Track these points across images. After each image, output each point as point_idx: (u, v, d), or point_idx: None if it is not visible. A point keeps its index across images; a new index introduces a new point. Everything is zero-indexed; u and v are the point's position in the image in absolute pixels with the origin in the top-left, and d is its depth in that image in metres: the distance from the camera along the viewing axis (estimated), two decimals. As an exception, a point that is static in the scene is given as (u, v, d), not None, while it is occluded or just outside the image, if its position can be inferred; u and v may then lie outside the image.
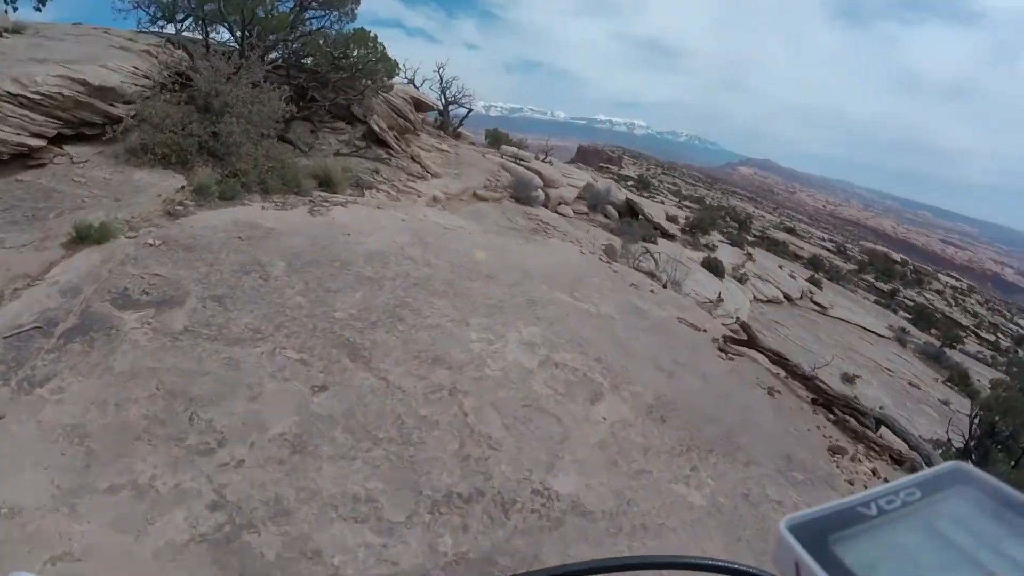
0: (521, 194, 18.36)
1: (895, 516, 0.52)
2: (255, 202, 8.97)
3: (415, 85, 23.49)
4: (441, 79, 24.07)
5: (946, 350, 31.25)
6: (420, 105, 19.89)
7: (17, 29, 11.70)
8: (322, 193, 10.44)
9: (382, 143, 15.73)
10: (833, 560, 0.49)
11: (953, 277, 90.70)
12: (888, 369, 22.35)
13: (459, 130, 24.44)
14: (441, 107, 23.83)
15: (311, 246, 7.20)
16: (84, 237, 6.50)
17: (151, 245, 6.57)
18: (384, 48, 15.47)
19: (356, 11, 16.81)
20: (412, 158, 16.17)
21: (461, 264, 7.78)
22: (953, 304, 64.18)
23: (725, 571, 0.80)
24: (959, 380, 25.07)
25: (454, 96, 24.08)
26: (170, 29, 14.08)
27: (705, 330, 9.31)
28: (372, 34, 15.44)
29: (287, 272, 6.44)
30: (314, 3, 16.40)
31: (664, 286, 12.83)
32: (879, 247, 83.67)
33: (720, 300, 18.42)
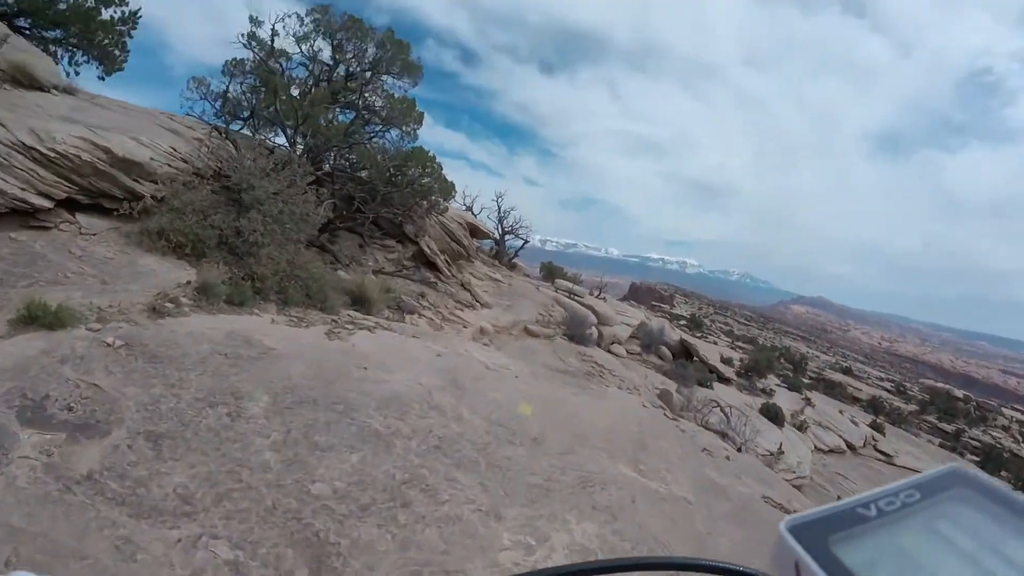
0: (575, 331, 16.62)
1: (895, 517, 0.51)
2: (268, 313, 7.42)
3: (473, 212, 22.57)
4: (499, 208, 23.14)
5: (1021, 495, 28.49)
6: (476, 232, 18.70)
7: (69, 90, 10.97)
8: (353, 312, 8.87)
9: (432, 266, 14.35)
10: (833, 560, 0.47)
11: (1018, 410, 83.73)
12: None
13: (514, 261, 23.20)
14: (498, 236, 22.69)
15: (313, 379, 5.47)
16: (35, 318, 5.01)
17: (108, 345, 4.99)
18: (441, 168, 14.38)
19: (417, 131, 16.00)
20: (462, 285, 14.70)
21: (501, 420, 5.93)
22: (1021, 441, 59.02)
23: (722, 571, 0.72)
24: None
25: (511, 226, 23.03)
26: (234, 127, 13.42)
27: (796, 512, 7.21)
28: (430, 154, 14.41)
29: (268, 412, 4.68)
30: (376, 118, 15.64)
31: (739, 449, 10.74)
32: (940, 384, 78.00)
33: (781, 452, 16.72)
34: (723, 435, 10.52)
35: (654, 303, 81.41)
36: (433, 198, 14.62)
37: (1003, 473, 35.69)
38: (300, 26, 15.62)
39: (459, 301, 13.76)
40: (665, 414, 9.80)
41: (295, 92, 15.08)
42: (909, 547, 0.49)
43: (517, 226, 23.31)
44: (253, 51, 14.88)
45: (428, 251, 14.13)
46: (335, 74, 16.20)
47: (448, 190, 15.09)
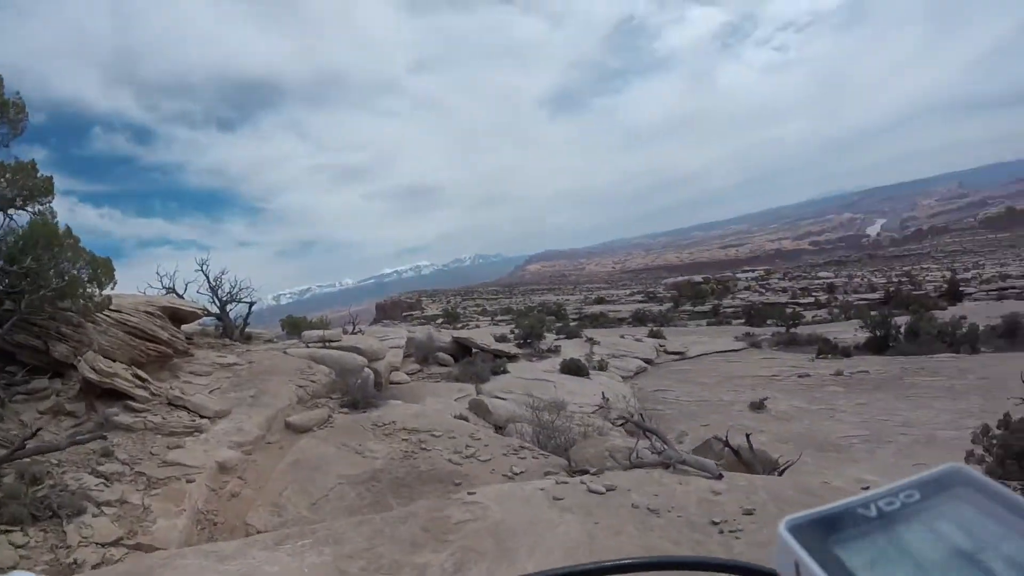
0: (354, 391, 11.80)
1: (895, 517, 0.49)
2: None
3: (178, 293, 16.52)
4: (207, 277, 17.19)
5: (794, 331, 31.69)
6: (179, 316, 12.99)
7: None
8: None
9: (115, 393, 8.70)
10: (833, 560, 0.46)
11: (748, 270, 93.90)
12: (774, 375, 20.95)
13: (248, 331, 17.52)
14: (217, 310, 16.86)
15: None
16: None
17: None
18: (78, 241, 8.83)
19: (51, 206, 10.05)
20: (171, 402, 9.18)
21: None
22: (764, 291, 66.14)
23: (727, 569, 0.72)
24: (829, 350, 24.65)
25: (229, 293, 17.24)
26: None
27: None
28: (58, 226, 8.77)
29: None
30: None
31: (679, 463, 6.81)
32: (680, 278, 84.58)
33: (606, 400, 15.98)
34: (665, 466, 6.43)
35: (405, 314, 77.34)
36: (84, 291, 8.94)
37: (768, 322, 38.79)
38: None
39: (172, 432, 8.32)
40: (560, 480, 5.55)
41: None
42: (909, 547, 0.46)
43: (237, 291, 17.60)
44: None
45: (94, 376, 8.39)
46: None
47: (106, 271, 9.42)
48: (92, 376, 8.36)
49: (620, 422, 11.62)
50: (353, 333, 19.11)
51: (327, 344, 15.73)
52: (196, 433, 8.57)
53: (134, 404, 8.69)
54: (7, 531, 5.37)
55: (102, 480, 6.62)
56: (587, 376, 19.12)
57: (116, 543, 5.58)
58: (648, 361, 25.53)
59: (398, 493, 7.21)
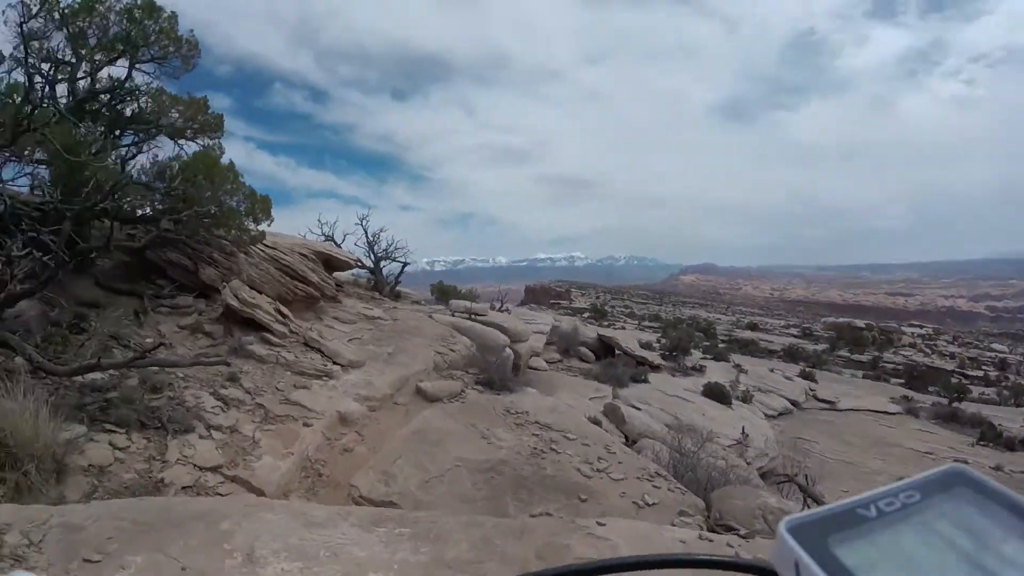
0: (491, 369, 11.13)
1: (895, 518, 0.48)
2: None
3: (335, 242, 16.85)
4: (366, 232, 17.42)
5: (957, 405, 27.83)
6: (333, 263, 13.03)
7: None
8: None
9: (254, 324, 8.59)
10: (832, 561, 0.45)
11: (915, 325, 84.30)
12: (928, 452, 18.19)
13: (398, 289, 17.59)
14: (368, 263, 17.05)
15: None
16: None
17: None
18: (240, 176, 8.79)
19: (220, 142, 10.36)
20: (307, 343, 8.96)
21: None
22: (930, 352, 58.72)
23: (725, 566, 0.70)
24: (992, 437, 20.85)
25: (385, 251, 17.37)
26: None
27: None
28: (225, 160, 8.83)
29: None
30: (144, 127, 9.86)
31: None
32: (840, 320, 77.58)
33: (745, 435, 14.39)
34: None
35: (552, 301, 76.86)
36: (239, 222, 8.93)
37: (930, 389, 33.83)
38: (22, 17, 9.44)
39: (302, 372, 8.07)
40: (703, 535, 4.49)
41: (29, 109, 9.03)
42: (909, 548, 0.45)
43: (392, 249, 17.75)
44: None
45: (236, 303, 8.30)
46: (77, 75, 10.19)
47: (263, 208, 9.41)
48: (234, 303, 8.28)
49: (782, 479, 10.21)
50: (500, 311, 18.72)
51: (473, 316, 15.32)
52: (325, 378, 8.26)
53: (270, 337, 8.54)
54: (112, 431, 5.18)
55: (220, 403, 6.37)
56: (729, 405, 17.60)
57: (214, 470, 5.23)
58: (794, 403, 23.37)
59: (517, 494, 6.41)
